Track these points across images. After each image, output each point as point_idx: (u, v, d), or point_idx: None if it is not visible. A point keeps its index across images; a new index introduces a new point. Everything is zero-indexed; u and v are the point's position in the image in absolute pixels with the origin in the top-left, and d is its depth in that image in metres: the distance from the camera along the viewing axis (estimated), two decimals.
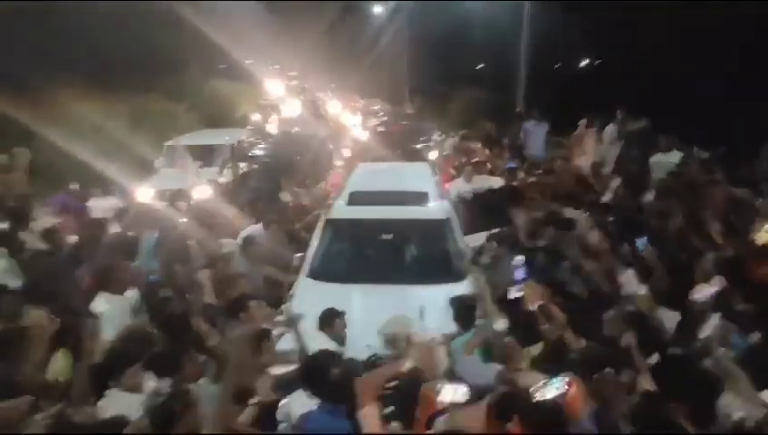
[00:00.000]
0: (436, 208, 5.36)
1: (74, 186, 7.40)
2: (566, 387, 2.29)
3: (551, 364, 2.88)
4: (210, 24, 18.38)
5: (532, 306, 3.23)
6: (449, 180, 7.56)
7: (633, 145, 7.80)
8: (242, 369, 2.88)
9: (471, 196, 6.56)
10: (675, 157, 7.10)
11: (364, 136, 14.11)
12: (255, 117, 17.54)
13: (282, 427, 2.78)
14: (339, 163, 9.77)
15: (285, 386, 2.98)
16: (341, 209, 5.43)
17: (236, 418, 2.77)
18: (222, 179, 8.96)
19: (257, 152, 10.06)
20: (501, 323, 3.24)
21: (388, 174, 6.95)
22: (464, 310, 3.56)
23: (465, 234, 5.37)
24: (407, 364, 2.70)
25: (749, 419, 2.33)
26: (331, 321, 3.65)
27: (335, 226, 5.25)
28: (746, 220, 4.63)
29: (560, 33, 17.08)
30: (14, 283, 4.28)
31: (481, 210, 6.05)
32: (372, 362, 3.26)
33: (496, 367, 2.93)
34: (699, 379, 2.54)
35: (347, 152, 11.87)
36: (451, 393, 2.31)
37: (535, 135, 9.31)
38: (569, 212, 5.44)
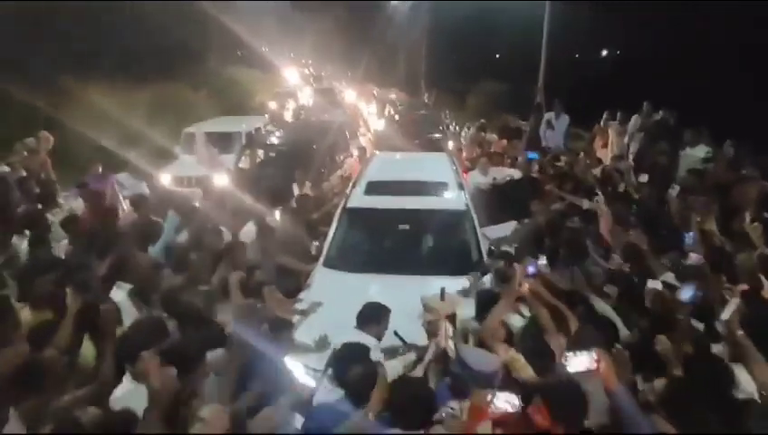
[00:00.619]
0: (454, 199, 5.31)
1: (97, 169, 7.47)
2: (595, 362, 2.28)
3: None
4: (228, 13, 18.40)
5: (521, 287, 3.21)
6: (466, 171, 7.49)
7: (656, 138, 7.62)
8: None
9: (489, 187, 6.47)
10: (701, 151, 6.93)
11: (380, 125, 14.04)
12: (272, 105, 17.59)
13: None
14: (355, 152, 9.73)
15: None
16: (359, 199, 5.40)
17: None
18: (240, 166, 8.98)
19: (274, 140, 10.05)
20: (515, 319, 3.19)
21: (405, 164, 6.90)
22: (486, 303, 3.50)
23: (483, 225, 5.31)
24: None
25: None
26: (378, 317, 3.40)
27: (352, 215, 5.22)
28: None
29: (582, 24, 16.79)
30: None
31: (499, 202, 5.97)
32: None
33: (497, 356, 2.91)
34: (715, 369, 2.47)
35: (363, 141, 11.82)
36: (503, 403, 2.24)
37: (556, 127, 9.15)
38: (588, 204, 5.34)
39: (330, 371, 2.81)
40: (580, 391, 2.24)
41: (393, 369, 2.82)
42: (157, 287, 3.72)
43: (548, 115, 9.33)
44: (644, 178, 6.32)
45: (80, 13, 12.96)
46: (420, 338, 3.31)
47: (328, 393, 2.72)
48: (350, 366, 2.61)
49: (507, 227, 5.34)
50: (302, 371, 3.40)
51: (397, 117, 14.44)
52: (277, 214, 5.90)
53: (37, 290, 3.42)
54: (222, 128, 11.06)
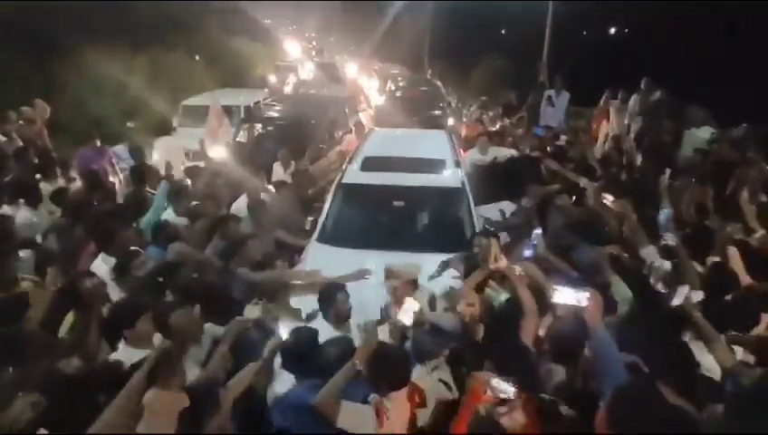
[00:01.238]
0: (450, 176, 5.28)
1: (95, 142, 7.42)
2: (587, 300, 2.36)
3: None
4: None
5: (492, 265, 3.24)
6: (466, 149, 7.44)
7: (656, 117, 7.53)
8: None
9: (486, 165, 6.44)
10: (705, 132, 6.87)
11: (381, 101, 13.90)
12: (272, 78, 17.38)
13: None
14: (354, 127, 9.65)
15: None
16: (354, 174, 5.38)
17: None
18: (238, 140, 8.93)
19: (273, 114, 9.96)
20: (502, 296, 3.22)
21: (402, 140, 6.85)
22: (472, 270, 3.54)
23: (480, 204, 5.30)
24: None
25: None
26: (332, 296, 3.44)
27: (347, 190, 5.21)
28: None
29: (587, 1, 16.41)
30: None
31: (496, 180, 5.95)
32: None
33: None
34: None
35: (363, 117, 11.72)
36: (500, 388, 2.27)
37: (557, 104, 9.05)
38: (585, 183, 5.32)
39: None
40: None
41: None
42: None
43: (548, 92, 9.22)
44: (638, 158, 6.25)
45: None
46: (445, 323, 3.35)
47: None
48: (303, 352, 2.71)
49: (502, 207, 5.35)
50: None
51: (398, 93, 14.29)
52: (272, 188, 5.91)
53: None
54: (221, 101, 10.94)
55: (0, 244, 3.82)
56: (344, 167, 5.71)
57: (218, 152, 7.45)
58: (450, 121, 11.24)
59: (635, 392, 1.91)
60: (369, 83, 17.73)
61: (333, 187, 5.37)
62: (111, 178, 6.54)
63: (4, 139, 6.92)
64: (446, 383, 2.66)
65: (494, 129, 8.97)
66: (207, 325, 3.05)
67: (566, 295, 2.49)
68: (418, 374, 2.66)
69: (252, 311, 3.18)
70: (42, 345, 2.68)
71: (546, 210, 4.73)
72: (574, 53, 16.49)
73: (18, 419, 2.11)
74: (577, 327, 2.48)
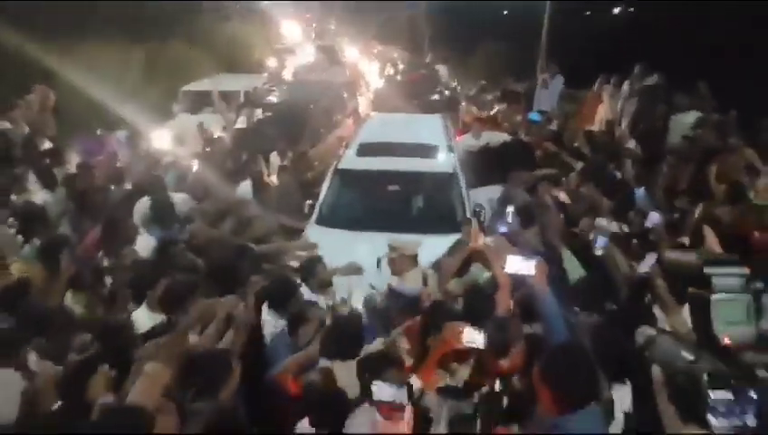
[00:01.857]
0: (443, 161, 5.48)
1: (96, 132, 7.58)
2: (534, 268, 2.54)
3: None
4: None
5: (472, 243, 3.47)
6: (461, 133, 7.60)
7: (651, 102, 7.66)
8: None
9: (479, 149, 6.62)
10: (691, 117, 7.01)
11: (380, 84, 13.99)
12: (271, 62, 17.40)
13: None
14: (353, 112, 9.80)
15: None
16: (351, 159, 5.58)
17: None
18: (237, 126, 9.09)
19: (272, 99, 10.10)
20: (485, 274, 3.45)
21: (398, 126, 7.02)
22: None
23: (472, 187, 5.50)
24: None
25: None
26: (313, 266, 3.72)
27: (344, 175, 5.42)
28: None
29: None
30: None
31: (488, 164, 6.14)
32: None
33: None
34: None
35: (362, 101, 11.84)
36: (471, 337, 2.46)
37: (550, 88, 9.16)
38: (579, 167, 5.51)
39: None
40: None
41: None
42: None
43: (543, 75, 9.32)
44: (631, 143, 6.42)
45: None
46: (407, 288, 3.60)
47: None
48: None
49: (494, 190, 5.55)
50: None
51: (398, 77, 14.35)
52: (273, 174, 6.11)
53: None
54: (220, 86, 11.05)
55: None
56: (341, 152, 5.91)
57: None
58: (448, 105, 11.35)
59: (563, 353, 1.95)
60: (368, 67, 17.75)
61: (331, 171, 5.57)
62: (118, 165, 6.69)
63: (10, 126, 7.07)
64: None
65: (490, 113, 9.10)
66: None
67: (516, 264, 2.61)
68: (376, 344, 2.87)
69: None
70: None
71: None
72: (576, 33, 16.39)
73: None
74: (524, 286, 2.71)
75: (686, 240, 3.81)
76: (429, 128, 6.51)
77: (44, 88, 7.75)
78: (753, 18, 11.58)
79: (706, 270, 1.73)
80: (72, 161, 6.27)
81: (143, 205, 4.35)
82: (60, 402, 2.34)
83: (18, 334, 2.64)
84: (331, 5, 33.79)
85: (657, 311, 2.65)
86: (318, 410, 2.36)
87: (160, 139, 8.65)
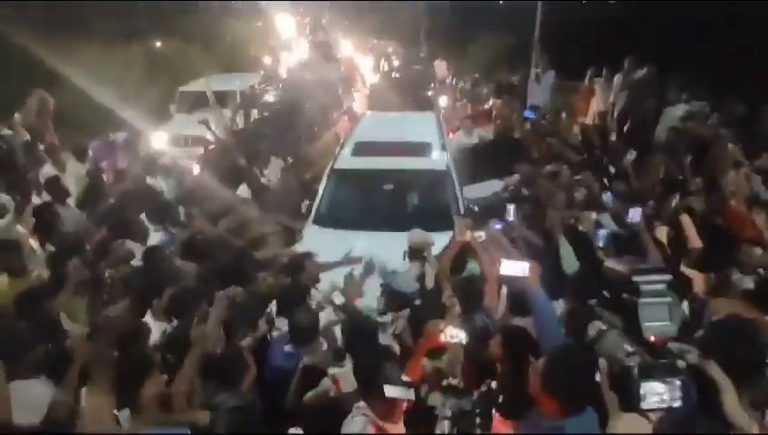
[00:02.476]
0: (436, 159, 5.61)
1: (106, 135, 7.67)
2: (529, 271, 2.65)
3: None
4: None
5: (460, 238, 3.61)
6: (454, 131, 7.71)
7: (641, 95, 7.77)
8: None
9: (470, 147, 6.74)
10: (681, 110, 7.12)
11: (375, 80, 14.05)
12: (267, 60, 17.42)
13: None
14: (348, 109, 9.88)
15: None
16: (346, 159, 5.71)
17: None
18: (235, 126, 9.18)
19: (268, 98, 10.18)
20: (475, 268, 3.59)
21: (393, 124, 7.14)
22: None
23: (465, 184, 5.63)
24: None
25: None
26: (301, 264, 3.87)
27: (340, 175, 5.55)
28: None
29: None
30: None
31: (479, 161, 6.26)
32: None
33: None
34: None
35: (357, 97, 11.91)
36: (453, 333, 2.62)
37: (543, 83, 9.25)
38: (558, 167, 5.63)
39: None
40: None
41: None
42: None
43: (535, 70, 9.41)
44: (612, 137, 6.55)
45: None
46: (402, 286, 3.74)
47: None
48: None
49: (489, 186, 5.67)
50: None
51: (394, 74, 14.40)
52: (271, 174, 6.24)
53: None
54: (216, 86, 11.13)
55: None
56: (337, 152, 6.03)
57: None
58: (443, 100, 11.41)
59: (562, 357, 2.03)
60: (363, 62, 17.77)
61: (327, 171, 5.69)
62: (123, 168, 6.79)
63: (10, 132, 7.15)
64: None
65: (485, 108, 9.19)
66: None
67: (510, 267, 2.74)
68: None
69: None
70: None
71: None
72: (569, 24, 16.32)
73: None
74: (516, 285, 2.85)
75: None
76: (423, 126, 6.63)
77: (42, 92, 7.81)
78: (745, 11, 11.59)
79: (634, 278, 1.93)
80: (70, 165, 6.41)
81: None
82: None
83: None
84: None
85: None
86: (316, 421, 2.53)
87: (158, 140, 8.77)
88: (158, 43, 14.55)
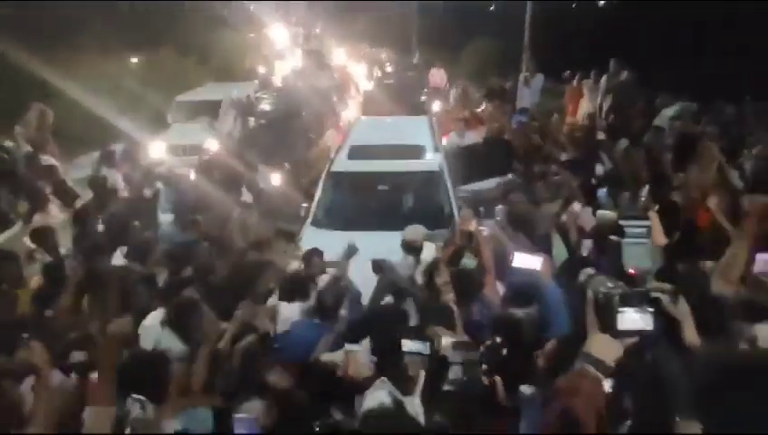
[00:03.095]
0: (430, 161, 5.79)
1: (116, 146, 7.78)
2: (541, 264, 2.92)
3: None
4: None
5: (464, 227, 3.78)
6: (447, 134, 7.91)
7: (626, 96, 8.00)
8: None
9: (462, 150, 6.93)
10: (672, 111, 7.35)
11: (369, 87, 14.27)
12: (261, 69, 17.65)
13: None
14: (344, 115, 10.08)
15: None
16: (342, 163, 5.88)
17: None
18: (233, 135, 9.36)
19: (264, 107, 10.36)
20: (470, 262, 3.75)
21: (387, 128, 7.33)
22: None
23: (458, 185, 5.81)
24: None
25: None
26: (310, 259, 4.09)
27: (336, 178, 5.71)
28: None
29: None
30: None
31: (471, 163, 6.45)
32: None
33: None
34: None
35: (352, 104, 12.12)
36: (411, 346, 2.72)
37: (532, 86, 9.47)
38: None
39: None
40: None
41: None
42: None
43: (524, 74, 9.63)
44: (601, 135, 6.75)
45: None
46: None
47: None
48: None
49: (482, 186, 5.88)
50: None
51: (387, 81, 14.62)
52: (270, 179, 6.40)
53: None
54: (212, 96, 11.32)
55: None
56: (333, 156, 6.20)
57: (213, 145, 7.91)
58: (436, 105, 11.64)
59: (567, 344, 2.28)
60: (357, 69, 18.02)
61: (324, 175, 5.86)
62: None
63: (12, 144, 7.30)
64: None
65: (476, 111, 9.39)
66: None
67: (524, 260, 2.98)
68: None
69: None
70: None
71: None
72: (559, 28, 16.58)
73: None
74: (527, 277, 3.03)
75: None
76: (416, 129, 6.82)
77: (41, 106, 7.95)
78: (734, 11, 11.84)
79: (621, 222, 2.24)
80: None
81: None
82: None
83: None
84: (316, 7, 33.96)
85: None
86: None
87: (156, 150, 8.92)
88: (134, 59, 14.62)
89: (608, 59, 8.93)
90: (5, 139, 7.50)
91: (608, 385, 1.80)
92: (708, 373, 1.73)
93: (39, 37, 11.83)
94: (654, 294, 2.02)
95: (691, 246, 3.27)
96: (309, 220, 5.41)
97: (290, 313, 3.42)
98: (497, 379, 2.54)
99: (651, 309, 1.86)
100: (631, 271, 2.28)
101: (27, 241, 4.50)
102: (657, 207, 3.80)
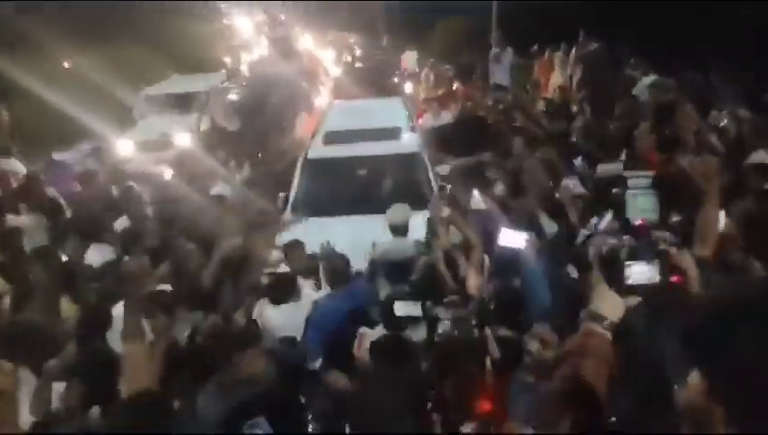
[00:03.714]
0: (406, 143, 5.75)
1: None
2: (525, 242, 2.94)
3: None
4: None
5: (441, 214, 3.79)
6: (422, 114, 7.87)
7: (593, 68, 8.04)
8: None
9: (437, 128, 6.90)
10: (649, 80, 7.42)
11: (338, 72, 14.08)
12: (228, 59, 17.26)
13: None
14: (315, 102, 9.93)
15: None
16: (319, 149, 5.80)
17: None
18: (201, 127, 9.14)
19: (233, 97, 10.14)
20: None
21: (361, 111, 7.23)
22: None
23: (435, 164, 5.79)
24: None
25: None
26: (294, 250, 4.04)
27: (313, 165, 5.63)
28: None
29: None
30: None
31: (446, 141, 6.42)
32: None
33: None
34: None
35: (323, 90, 11.95)
36: (403, 309, 2.86)
37: (502, 62, 9.46)
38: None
39: None
40: None
41: None
42: None
43: (494, 50, 9.60)
44: (574, 107, 6.79)
45: None
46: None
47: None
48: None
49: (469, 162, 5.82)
50: None
51: (357, 64, 14.44)
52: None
53: None
54: (180, 88, 11.01)
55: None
56: (308, 142, 6.11)
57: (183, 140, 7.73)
58: (408, 86, 11.55)
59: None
60: (325, 55, 17.75)
61: (300, 162, 5.77)
62: None
63: None
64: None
65: (448, 91, 9.36)
66: None
67: (509, 238, 2.98)
68: None
69: None
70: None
71: None
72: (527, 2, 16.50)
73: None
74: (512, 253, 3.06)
75: None
76: (391, 111, 6.76)
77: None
78: None
79: (624, 173, 2.27)
80: None
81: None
82: None
83: None
84: None
85: None
86: None
87: (125, 147, 8.67)
88: (116, 50, 14.15)
89: (578, 31, 8.97)
90: None
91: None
92: (711, 319, 1.75)
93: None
94: (661, 247, 2.02)
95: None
96: (288, 208, 5.33)
97: (278, 316, 3.39)
98: (488, 332, 2.57)
99: (658, 260, 1.87)
100: (638, 222, 2.31)
101: None
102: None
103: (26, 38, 11.54)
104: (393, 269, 3.71)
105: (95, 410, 2.40)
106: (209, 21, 23.48)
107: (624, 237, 2.02)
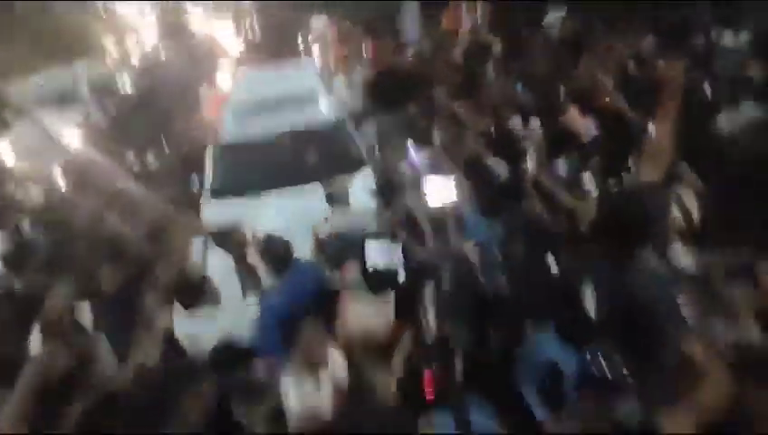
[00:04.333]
0: (323, 107, 5.37)
1: None
2: (455, 192, 2.92)
3: None
4: None
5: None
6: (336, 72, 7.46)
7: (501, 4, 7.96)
8: None
9: (355, 87, 6.56)
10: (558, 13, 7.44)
11: (238, 44, 13.22)
12: (113, 46, 15.72)
13: None
14: (218, 77, 9.17)
15: None
16: (230, 124, 5.29)
17: None
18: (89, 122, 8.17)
19: (126, 89, 9.19)
20: None
21: (271, 77, 6.64)
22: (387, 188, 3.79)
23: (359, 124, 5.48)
24: None
25: None
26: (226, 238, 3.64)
27: (227, 143, 5.12)
28: None
29: None
30: None
31: (369, 100, 6.12)
32: None
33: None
34: None
35: (224, 63, 11.15)
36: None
37: (409, 16, 9.17)
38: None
39: None
40: None
41: None
42: None
43: (405, 5, 9.26)
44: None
45: None
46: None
47: None
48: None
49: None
50: None
51: (254, 29, 13.58)
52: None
53: None
54: (61, 81, 9.74)
55: None
56: (218, 118, 5.56)
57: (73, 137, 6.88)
58: (316, 45, 10.98)
59: None
60: (223, 26, 16.57)
61: (211, 141, 5.25)
62: None
63: None
64: None
65: (359, 48, 8.92)
66: None
67: (435, 183, 2.79)
68: None
69: None
70: None
71: None
72: None
73: None
74: None
75: None
76: (302, 75, 6.31)
77: None
78: None
79: None
80: None
81: None
82: None
83: None
84: None
85: None
86: None
87: (6, 154, 7.60)
88: None
89: None
90: None
91: None
92: None
93: None
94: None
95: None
96: (207, 192, 4.82)
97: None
98: None
99: None
100: None
101: None
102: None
103: None
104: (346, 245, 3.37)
105: None
106: (81, 7, 21.09)
107: None
